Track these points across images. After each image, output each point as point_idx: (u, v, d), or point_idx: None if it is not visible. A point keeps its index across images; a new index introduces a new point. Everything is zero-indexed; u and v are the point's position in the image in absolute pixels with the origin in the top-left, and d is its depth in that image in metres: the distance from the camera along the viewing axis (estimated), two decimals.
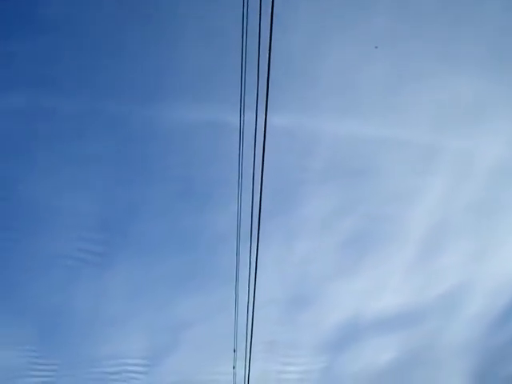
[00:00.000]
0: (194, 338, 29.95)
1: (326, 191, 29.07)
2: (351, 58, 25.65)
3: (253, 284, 12.75)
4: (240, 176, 12.22)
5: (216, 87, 25.92)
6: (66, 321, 30.42)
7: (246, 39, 9.81)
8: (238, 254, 14.89)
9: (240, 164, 11.99)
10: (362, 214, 29.34)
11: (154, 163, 30.04)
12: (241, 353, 17.66)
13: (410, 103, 25.94)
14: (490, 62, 24.15)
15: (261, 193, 10.20)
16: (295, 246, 29.52)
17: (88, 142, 29.01)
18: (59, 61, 27.14)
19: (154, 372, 30.64)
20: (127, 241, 31.04)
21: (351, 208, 29.56)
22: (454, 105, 25.54)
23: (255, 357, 16.93)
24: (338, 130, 25.92)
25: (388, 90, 26.18)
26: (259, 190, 10.19)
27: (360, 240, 29.39)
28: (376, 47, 22.12)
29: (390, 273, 29.96)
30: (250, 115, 10.27)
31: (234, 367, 19.89)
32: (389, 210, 28.72)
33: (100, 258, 30.35)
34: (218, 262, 29.23)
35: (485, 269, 28.85)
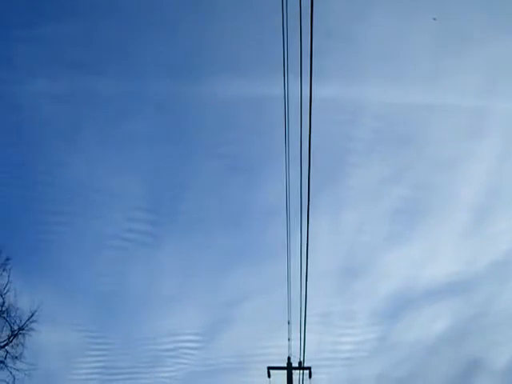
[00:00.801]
0: (248, 312, 29.63)
1: (373, 160, 29.20)
2: (396, 25, 25.73)
3: (305, 256, 12.35)
4: (287, 148, 11.71)
5: (258, 60, 26.37)
6: (121, 300, 30.64)
7: (286, 8, 9.36)
8: (288, 227, 14.36)
9: (286, 136, 11.43)
10: (412, 182, 29.25)
11: (201, 140, 30.67)
12: (295, 325, 17.31)
13: (456, 68, 25.72)
14: None
15: (309, 165, 9.75)
16: (345, 217, 29.26)
17: (133, 123, 29.88)
18: (99, 43, 28.65)
19: (208, 348, 30.20)
20: (177, 219, 31.47)
21: (400, 176, 29.68)
22: (501, 67, 25.16)
23: (310, 328, 16.88)
24: (383, 97, 25.45)
25: (434, 55, 26.15)
26: (307, 162, 9.80)
27: (410, 208, 28.97)
28: (434, 19, 21.40)
29: (442, 241, 29.64)
30: (293, 86, 9.89)
31: (289, 339, 19.68)
32: (439, 178, 28.46)
33: (151, 238, 30.48)
34: (269, 236, 28.83)
35: None
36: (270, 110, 24.29)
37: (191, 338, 29.77)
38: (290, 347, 20.08)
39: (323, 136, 24.44)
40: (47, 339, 24.03)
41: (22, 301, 20.26)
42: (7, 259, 20.49)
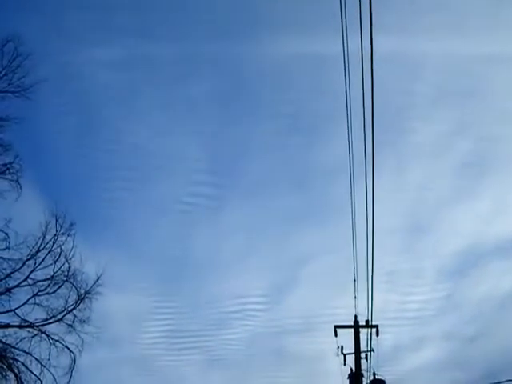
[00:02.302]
0: (314, 272, 30.07)
1: (437, 115, 29.09)
2: None
3: (370, 214, 12.30)
4: (348, 104, 11.26)
5: (316, 16, 26.03)
6: (186, 264, 31.20)
7: None
8: (352, 184, 13.93)
9: (347, 93, 11.05)
10: (478, 135, 29.37)
11: (261, 101, 30.92)
12: (362, 284, 17.28)
13: None
14: None
15: (372, 121, 9.61)
16: (410, 174, 29.39)
17: (191, 85, 30.01)
18: (151, 7, 28.84)
19: (274, 309, 30.85)
20: (239, 181, 32.11)
21: (464, 130, 29.91)
22: None
23: (376, 287, 16.61)
24: (445, 50, 25.07)
25: (497, 5, 25.71)
26: (370, 119, 9.66)
27: (477, 162, 28.98)
28: None
29: (510, 195, 29.75)
30: (353, 42, 9.75)
31: (355, 297, 19.57)
32: (505, 130, 27.98)
33: (214, 201, 30.79)
34: (333, 195, 28.90)
35: None
36: (330, 68, 24.43)
37: (257, 299, 30.57)
38: (356, 306, 20.08)
39: (385, 92, 23.49)
40: (114, 304, 24.93)
41: (88, 266, 20.07)
42: (71, 224, 20.11)
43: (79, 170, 30.32)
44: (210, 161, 30.91)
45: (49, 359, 19.05)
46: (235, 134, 31.40)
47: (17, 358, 18.78)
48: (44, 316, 19.25)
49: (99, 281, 20.18)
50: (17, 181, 18.77)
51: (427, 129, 28.66)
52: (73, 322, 19.66)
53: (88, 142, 30.04)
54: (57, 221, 19.76)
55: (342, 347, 21.03)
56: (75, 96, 28.86)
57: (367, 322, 20.32)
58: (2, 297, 18.86)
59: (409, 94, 27.56)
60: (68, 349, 19.36)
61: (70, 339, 19.44)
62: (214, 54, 27.74)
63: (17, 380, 18.56)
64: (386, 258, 25.57)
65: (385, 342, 21.99)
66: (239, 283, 30.85)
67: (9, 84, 18.78)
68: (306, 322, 29.06)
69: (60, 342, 19.30)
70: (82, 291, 19.92)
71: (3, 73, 18.78)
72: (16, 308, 19.00)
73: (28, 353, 18.89)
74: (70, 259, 19.80)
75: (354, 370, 20.39)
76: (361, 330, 20.72)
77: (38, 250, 19.25)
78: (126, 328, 28.15)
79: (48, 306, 19.36)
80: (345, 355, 20.96)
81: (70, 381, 19.09)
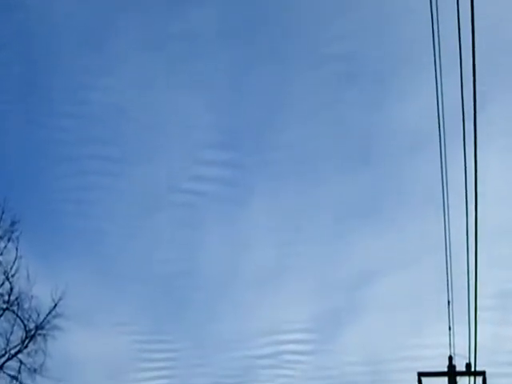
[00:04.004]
0: (382, 295, 24.93)
1: None
2: None
3: (472, 206, 8.85)
4: (435, 41, 8.65)
5: None
6: (189, 285, 25.80)
7: None
8: (443, 158, 11.22)
9: (434, 22, 8.28)
10: None
11: (296, 37, 25.58)
12: (458, 311, 14.77)
13: None
14: None
15: (474, 65, 6.88)
16: None
17: (190, 13, 24.51)
18: None
19: (324, 350, 25.22)
20: (269, 159, 26.74)
21: None
22: None
23: (482, 316, 12.48)
24: None
25: None
26: (471, 62, 6.93)
27: None
28: None
29: None
30: None
31: (449, 328, 16.56)
32: None
33: (231, 189, 25.67)
34: (410, 178, 24.68)
35: None
36: None
37: (297, 337, 25.69)
38: (451, 343, 16.94)
39: (488, 25, 19.41)
40: (81, 345, 20.88)
41: (41, 288, 17.29)
42: (13, 223, 17.27)
43: (27, 147, 25.41)
44: (222, 129, 25.81)
45: None
46: (259, 87, 26.05)
47: None
48: None
49: (56, 309, 17.32)
50: None
51: None
52: (18, 371, 16.97)
53: (39, 104, 24.89)
54: None
55: None
56: (18, 36, 24.06)
57: (468, 366, 16.92)
58: None
59: None
60: None
61: None
62: None
63: None
64: (494, 273, 20.83)
65: None
66: (271, 312, 25.61)
67: None
68: (374, 370, 23.81)
69: None
70: (32, 325, 17.27)
71: None
72: None
73: None
74: (13, 276, 17.24)
75: None
76: (459, 378, 17.29)
77: None
78: (101, 383, 24.17)
79: None
80: None
81: None
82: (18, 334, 17.17)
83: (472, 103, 7.80)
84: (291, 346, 24.97)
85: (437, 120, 10.80)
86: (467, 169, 9.20)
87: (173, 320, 26.23)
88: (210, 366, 24.71)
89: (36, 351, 17.01)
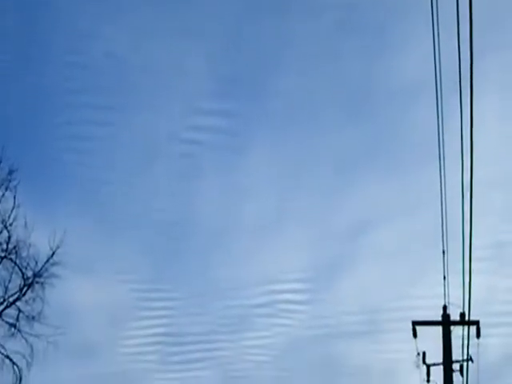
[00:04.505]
0: (379, 244, 24.55)
1: None
2: None
3: (468, 157, 9.34)
4: None
5: None
6: (187, 235, 25.48)
7: None
8: (439, 108, 11.07)
9: None
10: None
11: None
12: (453, 261, 14.40)
13: None
14: None
15: (470, 11, 7.12)
16: None
17: None
18: None
19: (320, 300, 25.01)
20: (268, 108, 26.37)
21: None
22: None
23: (476, 267, 12.89)
24: None
25: None
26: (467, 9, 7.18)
27: None
28: None
29: None
30: None
31: (444, 277, 16.31)
32: None
33: (229, 138, 25.32)
34: (408, 127, 24.64)
35: None
36: None
37: (294, 286, 25.30)
38: (446, 292, 16.70)
39: None
40: (80, 293, 20.97)
41: (39, 237, 16.84)
42: (11, 172, 16.81)
43: (26, 95, 24.90)
44: (221, 78, 25.34)
45: None
46: (258, 36, 25.92)
47: None
48: None
49: (54, 257, 16.98)
50: None
51: None
52: (17, 319, 16.53)
53: (38, 52, 24.57)
54: None
55: (424, 354, 17.55)
56: None
57: (462, 316, 16.84)
58: None
59: None
60: (10, 360, 16.29)
61: (13, 345, 16.52)
62: None
63: None
64: (489, 224, 20.95)
65: (490, 348, 18.55)
66: (268, 262, 25.42)
67: None
68: (370, 320, 23.78)
69: None
70: (30, 273, 17.06)
71: None
72: None
73: None
74: (11, 225, 16.69)
75: None
76: (453, 328, 17.09)
77: None
78: (100, 331, 23.20)
79: None
80: (428, 366, 17.49)
81: None
82: (16, 282, 16.78)
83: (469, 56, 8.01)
84: (288, 295, 24.81)
85: (434, 70, 10.43)
86: (463, 119, 9.20)
87: (171, 268, 26.15)
88: (208, 314, 24.67)
89: (34, 299, 16.73)
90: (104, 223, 25.31)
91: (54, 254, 16.76)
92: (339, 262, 25.87)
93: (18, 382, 16.48)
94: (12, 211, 16.89)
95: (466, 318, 16.62)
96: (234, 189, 26.52)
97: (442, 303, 17.22)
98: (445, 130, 11.95)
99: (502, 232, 23.05)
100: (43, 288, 16.70)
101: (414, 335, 17.61)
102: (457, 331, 17.22)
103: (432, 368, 17.66)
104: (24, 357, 16.54)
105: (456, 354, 17.17)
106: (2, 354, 16.47)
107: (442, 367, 16.92)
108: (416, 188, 24.00)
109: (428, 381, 17.75)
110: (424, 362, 17.75)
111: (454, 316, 17.13)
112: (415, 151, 24.03)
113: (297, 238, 25.83)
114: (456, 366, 17.14)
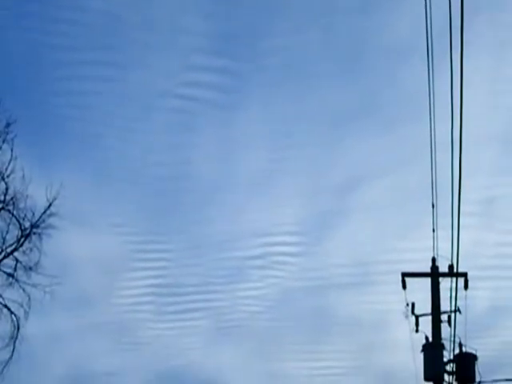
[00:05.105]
0: (370, 199, 24.68)
1: None
2: None
3: (457, 113, 9.79)
4: None
5: None
6: (183, 189, 25.75)
7: None
8: (430, 66, 11.24)
9: None
10: None
11: None
12: (443, 216, 14.56)
13: None
14: None
15: None
16: None
17: None
18: None
19: (312, 253, 25.13)
20: (263, 64, 25.94)
21: None
22: None
23: (465, 222, 13.66)
24: None
25: None
26: None
27: None
28: None
29: None
30: None
31: (433, 230, 16.38)
32: None
33: (224, 94, 24.99)
34: (400, 84, 24.40)
35: None
36: None
37: (287, 239, 24.95)
38: (435, 245, 16.60)
39: None
40: (76, 245, 20.86)
41: (36, 189, 16.81)
42: (8, 125, 16.64)
43: (24, 51, 24.66)
44: (216, 35, 25.25)
45: None
46: None
47: None
48: None
49: (51, 209, 16.92)
50: None
51: None
52: (14, 269, 16.55)
53: (36, 9, 24.54)
54: None
55: (413, 305, 17.27)
56: None
57: (451, 268, 16.60)
58: None
59: None
60: (8, 309, 16.44)
61: (11, 295, 16.57)
62: None
63: None
64: (478, 180, 21.36)
65: (477, 300, 18.60)
66: (261, 216, 25.47)
67: None
68: (360, 272, 24.01)
69: None
70: (27, 224, 16.97)
71: None
72: None
73: None
74: (8, 177, 16.64)
75: (430, 338, 16.77)
76: (441, 279, 16.91)
77: None
78: (96, 281, 23.32)
79: None
80: (417, 317, 17.18)
81: (12, 356, 16.27)
82: (14, 233, 16.64)
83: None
84: (280, 248, 24.88)
85: (425, 27, 10.37)
86: (454, 76, 9.54)
87: (167, 222, 26.15)
88: (202, 266, 24.73)
89: (31, 249, 16.65)
90: (101, 177, 25.20)
91: (50, 205, 16.69)
92: (331, 216, 25.81)
93: (16, 330, 16.49)
94: (9, 163, 16.72)
95: (455, 271, 16.51)
96: (228, 144, 26.42)
97: (431, 256, 17.02)
98: (436, 86, 11.93)
99: (491, 187, 23.09)
100: (40, 239, 16.68)
101: (404, 287, 17.30)
102: (445, 284, 17.04)
103: (421, 319, 17.41)
104: (22, 306, 16.53)
105: (444, 306, 16.98)
106: (0, 303, 16.44)
107: (430, 318, 16.79)
108: (408, 144, 23.95)
109: (417, 331, 17.46)
110: (413, 312, 17.46)
111: (443, 269, 16.90)
112: (407, 108, 23.82)
113: (290, 192, 25.76)
114: (444, 317, 17.04)
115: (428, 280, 16.97)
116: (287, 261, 25.11)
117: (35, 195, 16.54)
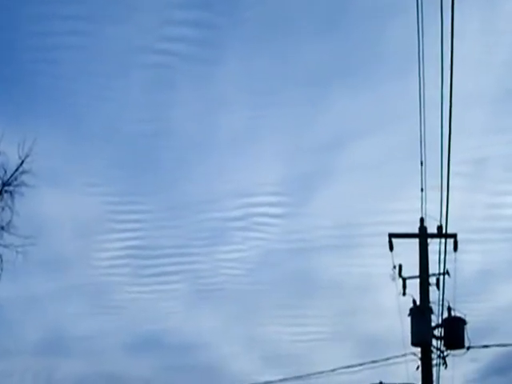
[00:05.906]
0: (355, 158, 23.60)
1: None
2: None
3: (448, 71, 9.60)
4: None
5: None
6: (161, 146, 25.03)
7: None
8: (419, 19, 10.73)
9: None
10: None
11: None
12: (432, 176, 14.16)
13: None
14: None
15: None
16: None
17: None
18: None
19: (295, 214, 24.12)
20: (243, 18, 24.92)
21: None
22: None
23: (455, 183, 13.12)
24: None
25: None
26: None
27: None
28: None
29: None
30: None
31: (422, 189, 16.02)
32: None
33: (203, 49, 23.99)
34: (386, 38, 23.16)
35: None
36: None
37: (269, 199, 23.98)
38: (423, 205, 16.11)
39: None
40: (50, 205, 20.23)
41: (7, 146, 15.85)
42: None
43: None
44: None
45: None
46: None
47: None
48: None
49: (24, 166, 16.09)
50: None
51: None
52: None
53: None
54: None
55: (400, 267, 16.84)
56: None
57: (440, 228, 16.18)
58: None
59: None
60: None
61: None
62: None
63: None
64: (468, 141, 20.40)
65: (466, 263, 17.93)
66: (242, 175, 24.60)
67: None
68: (346, 234, 23.08)
69: None
70: None
71: None
72: None
73: None
74: None
75: (418, 302, 16.48)
76: (430, 240, 16.55)
77: None
78: (71, 243, 22.61)
79: None
80: (404, 280, 16.82)
81: None
82: None
83: None
84: (262, 209, 24.21)
85: None
86: (444, 31, 9.20)
87: (144, 182, 25.34)
88: (181, 227, 24.03)
89: (3, 208, 15.95)
90: (76, 135, 24.37)
91: (23, 162, 15.88)
92: (315, 176, 24.98)
93: None
94: None
95: (444, 232, 16.21)
96: (207, 101, 25.51)
97: (420, 216, 16.56)
98: (424, 42, 11.34)
99: (482, 147, 22.54)
100: (12, 197, 16.00)
101: (391, 248, 17.03)
102: (433, 246, 16.77)
103: (408, 282, 17.03)
104: None
105: (433, 269, 16.76)
106: None
107: (418, 281, 16.47)
108: (394, 101, 23.23)
109: (404, 294, 17.11)
110: (400, 275, 17.10)
111: (432, 231, 16.59)
112: (394, 64, 22.94)
113: (272, 151, 24.96)
114: (432, 280, 16.76)
115: (416, 242, 16.62)
116: (269, 222, 24.47)
117: (7, 152, 15.65)
